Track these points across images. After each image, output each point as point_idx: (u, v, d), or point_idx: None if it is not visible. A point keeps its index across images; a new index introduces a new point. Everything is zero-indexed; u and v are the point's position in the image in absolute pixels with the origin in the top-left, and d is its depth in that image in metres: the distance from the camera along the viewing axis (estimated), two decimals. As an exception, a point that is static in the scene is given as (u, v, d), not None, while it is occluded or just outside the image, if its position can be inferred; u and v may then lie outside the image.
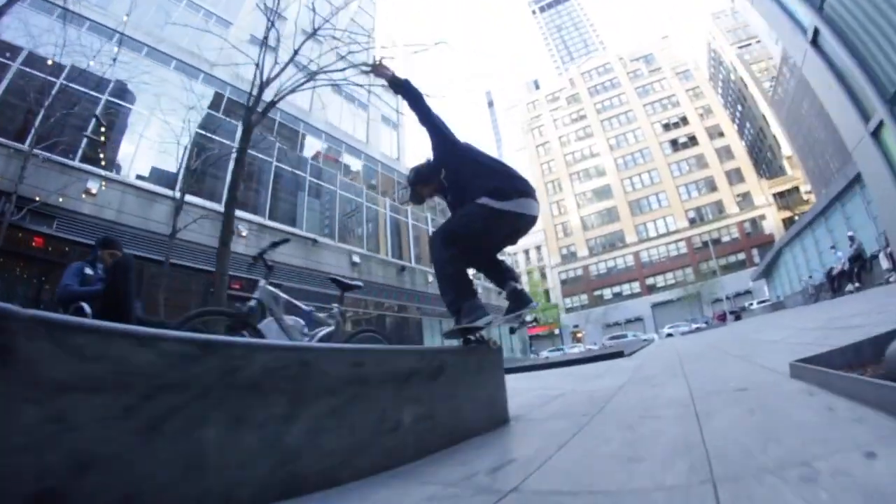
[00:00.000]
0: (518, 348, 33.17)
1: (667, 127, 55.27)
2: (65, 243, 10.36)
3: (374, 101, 23.49)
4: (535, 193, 2.53)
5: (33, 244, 10.05)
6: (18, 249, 9.79)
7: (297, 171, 17.38)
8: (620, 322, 50.25)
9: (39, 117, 10.07)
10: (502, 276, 2.70)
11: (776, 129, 52.24)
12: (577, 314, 53.97)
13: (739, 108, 61.00)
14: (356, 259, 18.25)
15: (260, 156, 15.35)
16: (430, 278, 21.11)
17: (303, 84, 8.49)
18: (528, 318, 2.81)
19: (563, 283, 56.13)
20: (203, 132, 13.80)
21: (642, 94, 57.98)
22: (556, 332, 54.28)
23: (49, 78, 10.53)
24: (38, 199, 9.78)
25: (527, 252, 62.71)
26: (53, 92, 10.27)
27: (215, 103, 15.47)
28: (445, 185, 2.66)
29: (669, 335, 32.05)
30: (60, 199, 10.20)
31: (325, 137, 20.36)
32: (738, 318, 33.80)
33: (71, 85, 10.92)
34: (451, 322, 2.37)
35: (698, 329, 30.43)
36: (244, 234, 13.39)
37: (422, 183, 2.72)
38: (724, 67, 62.57)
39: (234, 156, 9.35)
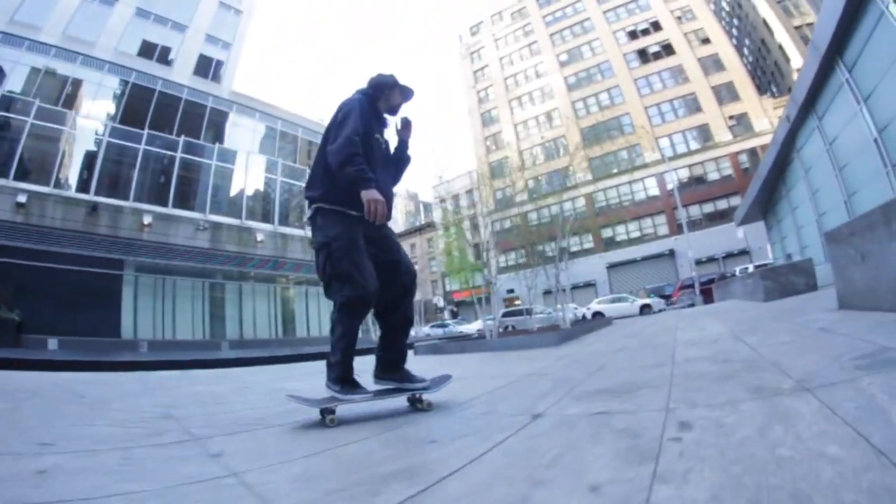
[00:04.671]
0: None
1: (633, 35, 41.81)
2: None
3: None
4: None
5: None
6: None
7: None
8: (565, 287, 36.95)
9: None
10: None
11: (782, 35, 39.10)
12: (513, 275, 40.30)
13: (736, 21, 47.78)
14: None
15: None
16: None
17: None
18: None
19: (498, 235, 42.42)
20: None
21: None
22: (483, 297, 40.56)
23: None
24: None
25: (456, 198, 48.60)
26: None
27: None
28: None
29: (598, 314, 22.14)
30: None
31: None
32: (707, 296, 21.59)
33: None
34: None
35: (646, 310, 21.55)
36: None
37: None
38: None
39: None
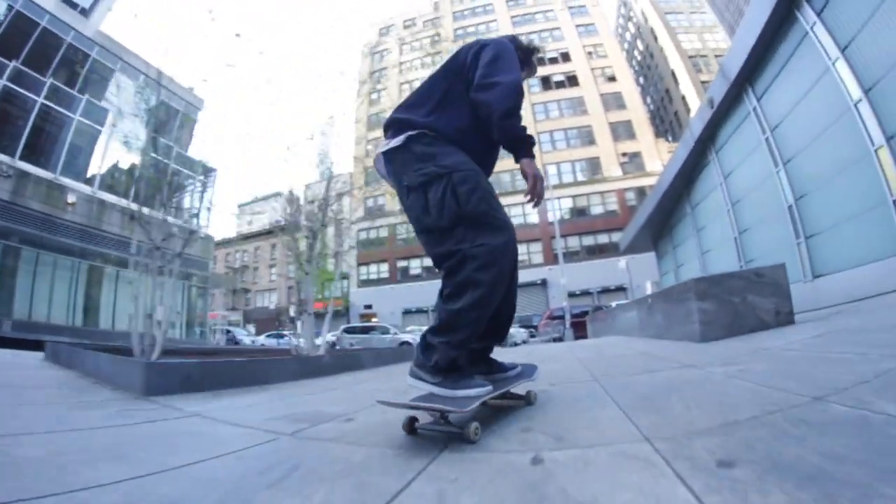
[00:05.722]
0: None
1: (540, 61, 37.79)
2: None
3: None
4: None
5: None
6: None
7: None
8: (426, 308, 32.23)
9: None
10: None
11: (687, 87, 37.65)
12: (373, 290, 35.31)
13: (647, 68, 46.79)
14: None
15: None
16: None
17: None
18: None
19: (363, 245, 35.99)
20: None
21: (520, 23, 41.63)
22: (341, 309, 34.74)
23: None
24: None
25: (326, 200, 41.06)
26: None
27: None
28: None
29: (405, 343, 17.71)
30: None
31: None
32: (578, 329, 17.12)
33: None
34: None
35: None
36: None
37: None
38: (633, 14, 48.83)
39: None
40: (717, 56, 38.76)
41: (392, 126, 1.77)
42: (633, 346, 5.17)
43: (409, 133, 1.67)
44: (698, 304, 4.29)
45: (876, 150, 6.43)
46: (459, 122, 1.69)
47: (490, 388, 1.52)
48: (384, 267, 36.06)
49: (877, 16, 6.22)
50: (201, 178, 14.73)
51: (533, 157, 1.72)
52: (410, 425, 1.50)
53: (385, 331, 20.27)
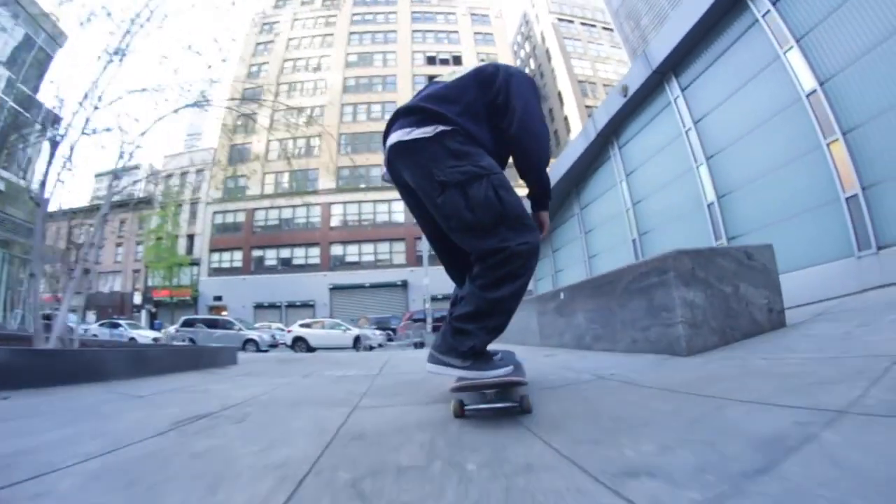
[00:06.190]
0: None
1: (432, 60, 38.29)
2: None
3: None
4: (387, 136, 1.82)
5: None
6: None
7: None
8: (280, 304, 29.99)
9: None
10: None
11: (571, 109, 38.99)
12: (225, 280, 31.58)
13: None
14: None
15: None
16: None
17: None
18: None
19: (218, 229, 32.35)
20: None
21: (419, 19, 40.91)
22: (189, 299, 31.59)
23: None
24: None
25: (184, 174, 36.31)
26: None
27: None
28: None
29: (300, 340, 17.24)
30: None
31: None
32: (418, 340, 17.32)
33: None
34: None
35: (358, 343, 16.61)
36: None
37: None
38: (532, 34, 50.30)
39: None
40: (605, 85, 40.81)
41: (415, 114, 1.73)
42: (570, 364, 3.03)
43: (443, 128, 1.67)
44: (682, 294, 2.72)
45: (828, 144, 6.03)
46: (482, 135, 1.74)
47: (511, 368, 1.60)
48: (238, 255, 32.28)
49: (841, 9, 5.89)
50: (41, 125, 11.08)
51: (547, 209, 2.00)
52: (460, 408, 1.56)
53: (229, 325, 17.97)
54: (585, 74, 42.41)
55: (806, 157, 6.41)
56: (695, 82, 8.60)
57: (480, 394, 1.61)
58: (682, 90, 8.88)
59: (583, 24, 46.55)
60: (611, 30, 48.36)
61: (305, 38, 40.17)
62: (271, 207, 31.74)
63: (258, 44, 40.70)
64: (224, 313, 27.16)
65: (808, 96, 6.31)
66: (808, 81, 6.30)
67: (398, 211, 31.11)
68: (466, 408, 1.56)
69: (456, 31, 40.47)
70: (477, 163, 1.63)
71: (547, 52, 45.58)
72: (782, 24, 6.66)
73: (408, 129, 1.70)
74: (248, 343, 16.29)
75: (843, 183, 5.90)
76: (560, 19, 45.45)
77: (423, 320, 19.20)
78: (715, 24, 7.97)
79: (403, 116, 1.76)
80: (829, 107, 6.02)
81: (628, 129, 10.97)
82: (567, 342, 4.39)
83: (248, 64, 38.69)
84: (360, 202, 31.60)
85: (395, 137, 1.73)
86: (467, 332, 1.58)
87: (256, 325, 21.53)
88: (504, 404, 1.61)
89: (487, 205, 1.57)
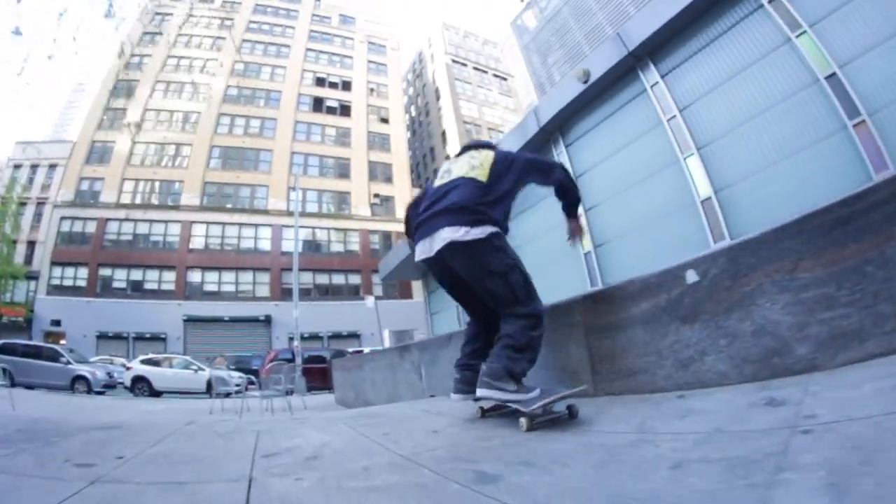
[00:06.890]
0: None
1: (321, 82, 39.18)
2: None
3: None
4: (419, 229, 2.35)
5: None
6: None
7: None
8: (127, 334, 26.86)
9: None
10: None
11: (454, 147, 41.90)
12: (65, 301, 27.07)
13: (419, 122, 50.86)
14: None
15: None
16: None
17: None
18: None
19: (63, 239, 29.46)
20: None
21: (315, 38, 41.58)
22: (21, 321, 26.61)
23: None
24: None
25: (34, 168, 33.24)
26: None
27: None
28: None
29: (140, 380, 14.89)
30: None
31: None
32: (316, 380, 13.94)
33: None
34: None
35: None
36: None
37: None
38: (424, 72, 52.67)
39: None
40: (489, 129, 44.35)
41: (465, 212, 2.17)
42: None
43: (493, 230, 2.17)
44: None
45: (854, 126, 5.72)
46: (501, 217, 2.29)
47: (539, 390, 2.05)
48: (83, 272, 28.28)
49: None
50: None
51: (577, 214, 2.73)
52: (483, 412, 2.35)
53: (55, 356, 14.00)
54: (472, 116, 45.75)
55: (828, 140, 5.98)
56: (680, 66, 7.77)
57: (542, 408, 2.01)
58: (663, 76, 7.96)
59: (475, 68, 49.84)
60: (503, 78, 52.37)
61: (196, 38, 39.22)
62: (126, 220, 29.78)
63: (144, 33, 39.05)
64: (62, 342, 23.26)
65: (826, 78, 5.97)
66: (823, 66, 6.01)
67: (265, 238, 31.23)
68: (535, 420, 1.98)
69: (350, 57, 41.63)
70: (511, 255, 2.21)
71: (436, 90, 48.02)
72: (791, 7, 6.36)
73: (464, 230, 2.14)
74: (77, 381, 13.40)
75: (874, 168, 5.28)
76: (454, 60, 48.33)
77: (291, 360, 15.15)
78: (712, 6, 7.36)
79: (455, 213, 2.19)
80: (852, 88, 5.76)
81: (583, 122, 9.55)
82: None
83: (128, 57, 37.12)
84: (224, 224, 30.88)
85: (449, 236, 2.15)
86: (518, 360, 2.07)
87: (93, 359, 18.51)
88: (557, 413, 2.09)
89: (524, 285, 2.17)
